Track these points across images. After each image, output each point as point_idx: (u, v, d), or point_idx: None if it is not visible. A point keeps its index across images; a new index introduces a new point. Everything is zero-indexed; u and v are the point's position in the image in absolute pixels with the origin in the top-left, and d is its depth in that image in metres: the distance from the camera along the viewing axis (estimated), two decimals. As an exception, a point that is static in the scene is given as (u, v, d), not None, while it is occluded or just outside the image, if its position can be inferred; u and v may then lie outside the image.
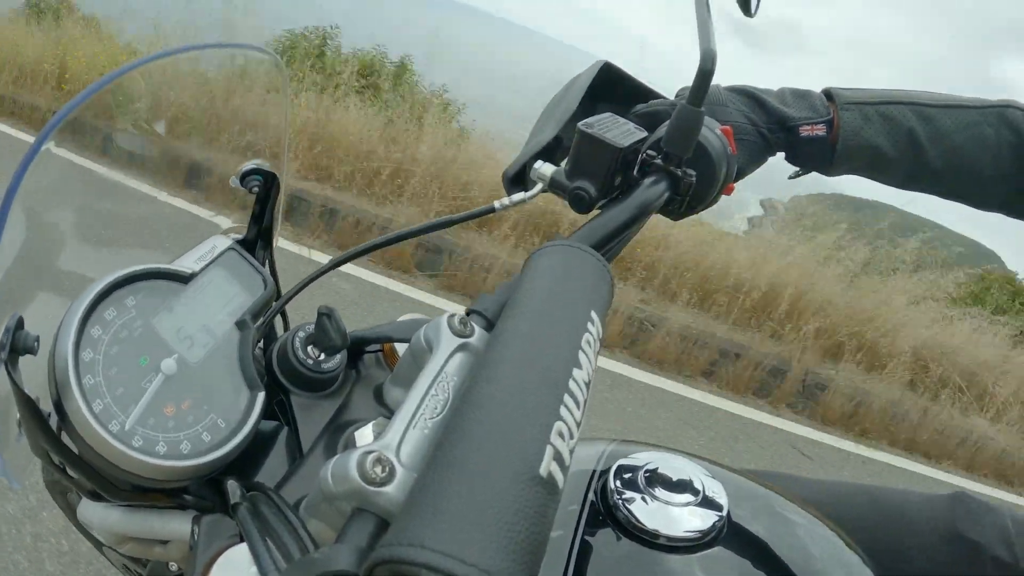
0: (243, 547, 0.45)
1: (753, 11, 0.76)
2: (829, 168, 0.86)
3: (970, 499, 0.86)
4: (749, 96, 0.83)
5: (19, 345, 0.47)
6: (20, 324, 0.47)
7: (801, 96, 0.84)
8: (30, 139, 0.50)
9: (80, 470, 0.50)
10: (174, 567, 0.67)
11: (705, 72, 0.59)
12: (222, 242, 0.62)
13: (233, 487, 0.51)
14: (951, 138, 0.82)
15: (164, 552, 0.59)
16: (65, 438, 0.49)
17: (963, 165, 0.84)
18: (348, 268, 4.16)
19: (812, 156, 0.85)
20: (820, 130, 0.82)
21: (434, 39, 6.40)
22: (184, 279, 0.57)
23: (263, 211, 0.67)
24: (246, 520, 0.46)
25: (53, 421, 0.49)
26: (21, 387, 0.45)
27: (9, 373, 0.46)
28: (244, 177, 0.65)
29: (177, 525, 0.54)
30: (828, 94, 0.85)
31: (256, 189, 0.66)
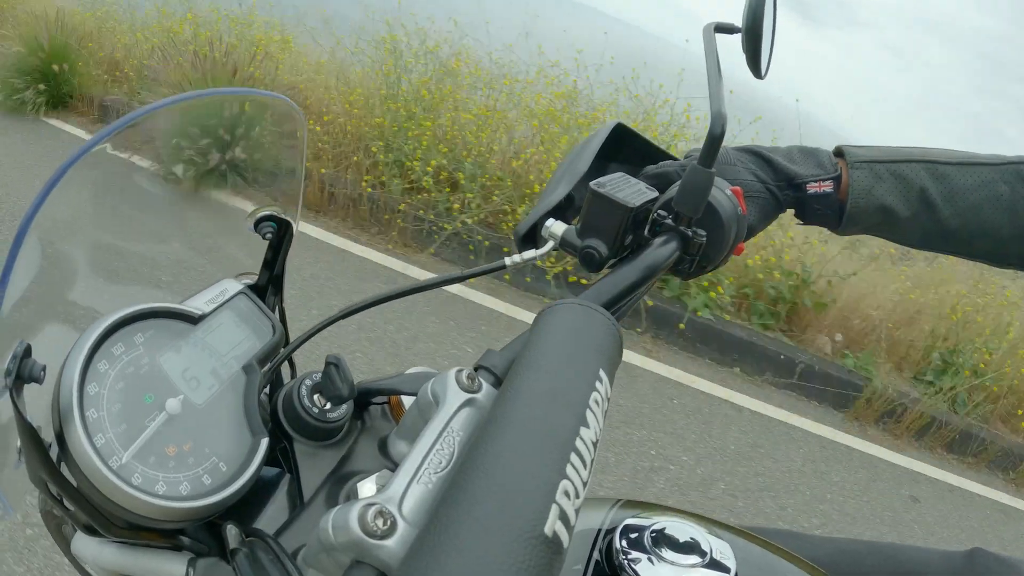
0: None
1: (764, 73, 0.78)
2: (839, 226, 0.86)
3: (988, 555, 0.84)
4: (757, 155, 0.84)
5: (25, 373, 0.47)
6: (28, 352, 0.48)
7: (809, 154, 0.85)
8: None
9: (77, 503, 0.50)
10: (165, 610, 0.66)
11: (715, 136, 0.60)
12: (233, 286, 0.63)
13: (232, 532, 0.51)
14: (966, 197, 0.82)
15: None
16: (64, 470, 0.49)
17: (979, 224, 0.83)
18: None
19: (821, 213, 0.85)
20: (828, 186, 0.82)
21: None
22: (194, 320, 0.58)
23: (275, 257, 0.68)
24: (244, 566, 0.46)
25: (53, 452, 0.49)
26: (24, 415, 0.45)
27: (13, 400, 0.46)
28: (258, 223, 0.66)
29: (172, 567, 0.54)
30: (839, 152, 0.85)
31: (269, 236, 0.67)
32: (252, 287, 0.66)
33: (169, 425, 0.52)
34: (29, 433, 0.46)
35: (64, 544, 0.67)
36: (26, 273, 0.51)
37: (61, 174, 0.50)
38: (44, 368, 0.48)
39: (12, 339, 0.48)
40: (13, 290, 0.49)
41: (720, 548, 0.61)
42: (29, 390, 0.48)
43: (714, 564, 0.59)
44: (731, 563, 0.60)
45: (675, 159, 0.80)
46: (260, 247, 0.68)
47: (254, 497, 0.55)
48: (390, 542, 0.36)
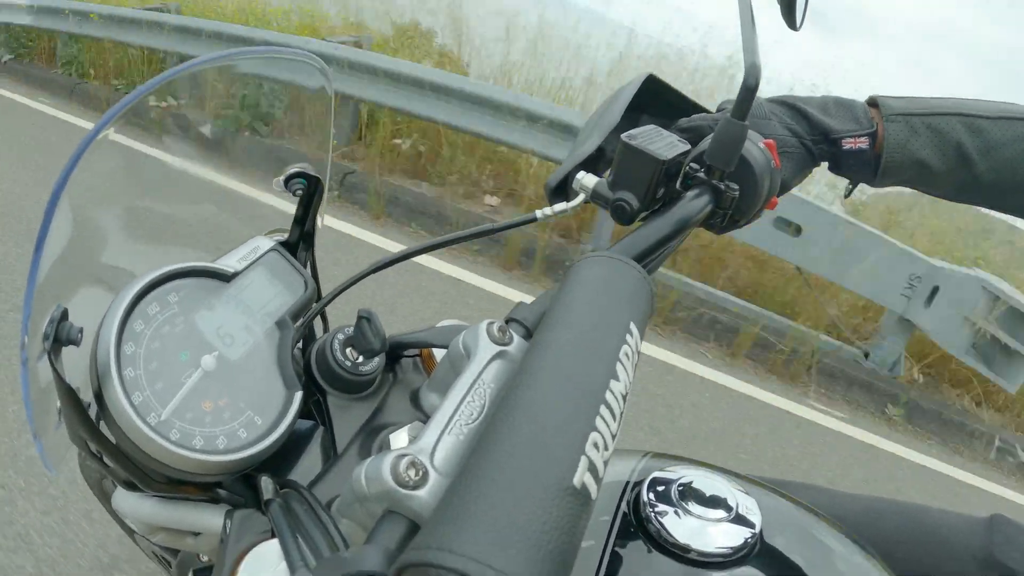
0: (273, 543, 0.45)
1: (799, 24, 0.75)
2: (873, 180, 0.84)
3: (1009, 523, 0.83)
4: (791, 108, 0.82)
5: (63, 336, 0.48)
6: (64, 315, 0.48)
7: (844, 106, 0.82)
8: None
9: (117, 460, 0.51)
10: (204, 558, 0.68)
11: (750, 86, 0.58)
12: (265, 243, 0.63)
13: (267, 484, 0.51)
14: (1002, 151, 0.80)
15: (195, 544, 0.60)
16: (103, 428, 0.50)
17: (1015, 179, 0.81)
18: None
19: (855, 168, 0.84)
20: (863, 143, 0.81)
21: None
22: (226, 278, 0.58)
23: (306, 214, 0.68)
24: (278, 517, 0.47)
25: (92, 411, 0.50)
26: (63, 377, 0.46)
27: (52, 362, 0.47)
28: (288, 180, 0.66)
29: (209, 518, 0.55)
30: (873, 102, 0.83)
31: (300, 192, 0.67)
32: (284, 244, 0.66)
33: (205, 381, 0.53)
34: (68, 394, 0.47)
35: (105, 500, 0.69)
36: (60, 238, 0.51)
37: (92, 138, 0.50)
38: (81, 330, 0.49)
39: (49, 303, 0.49)
40: (48, 255, 0.50)
41: (746, 503, 0.61)
42: (67, 352, 0.49)
43: (740, 519, 0.59)
44: (756, 518, 0.60)
45: (708, 112, 0.78)
46: (291, 204, 0.68)
47: (289, 449, 0.56)
48: (422, 492, 0.37)
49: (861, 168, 0.83)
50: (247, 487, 0.54)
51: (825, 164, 0.85)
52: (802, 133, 0.80)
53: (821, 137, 0.81)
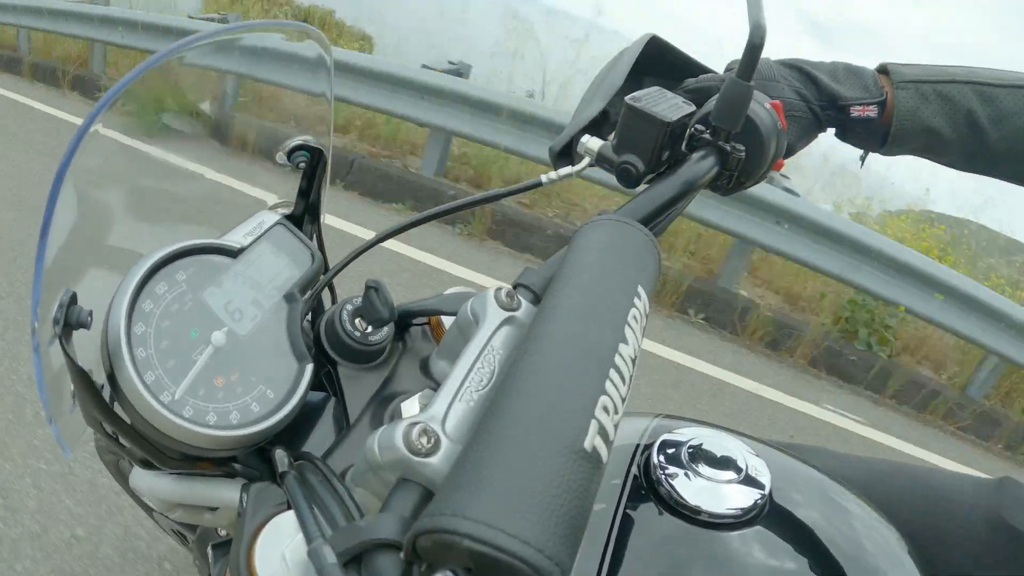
0: (290, 514, 0.46)
1: None
2: (882, 148, 0.83)
3: (1018, 485, 0.83)
4: (801, 72, 0.80)
5: (73, 319, 0.48)
6: (73, 299, 0.49)
7: (854, 73, 0.81)
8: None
9: (132, 440, 0.51)
10: (222, 533, 0.69)
11: (754, 46, 0.57)
12: (270, 217, 0.63)
13: (281, 456, 0.52)
14: (1014, 120, 0.79)
15: (213, 519, 0.60)
16: (118, 409, 0.50)
17: None
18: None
19: (863, 136, 0.83)
20: (872, 111, 0.80)
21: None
22: (233, 253, 0.58)
23: (310, 186, 0.68)
24: (293, 488, 0.47)
25: (106, 393, 0.51)
26: (75, 360, 0.47)
27: (63, 347, 0.47)
28: (291, 153, 0.66)
29: (226, 493, 0.56)
30: (883, 69, 0.82)
31: (303, 165, 0.66)
32: (289, 217, 0.66)
33: (216, 357, 0.53)
34: (81, 377, 0.47)
35: (122, 480, 0.70)
36: (65, 223, 0.51)
37: (91, 122, 0.49)
38: (91, 313, 0.49)
39: (57, 288, 0.49)
40: (54, 240, 0.50)
41: (756, 464, 0.61)
42: (78, 336, 0.49)
43: (749, 480, 0.60)
44: (766, 479, 0.60)
45: (714, 72, 0.77)
46: (294, 177, 0.68)
47: (301, 422, 0.56)
48: (434, 459, 0.37)
49: (868, 136, 0.82)
50: (262, 460, 0.54)
51: (832, 131, 0.84)
52: (810, 98, 0.79)
53: (829, 103, 0.80)
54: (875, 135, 0.82)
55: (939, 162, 0.86)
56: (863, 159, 0.89)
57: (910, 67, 0.81)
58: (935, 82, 0.80)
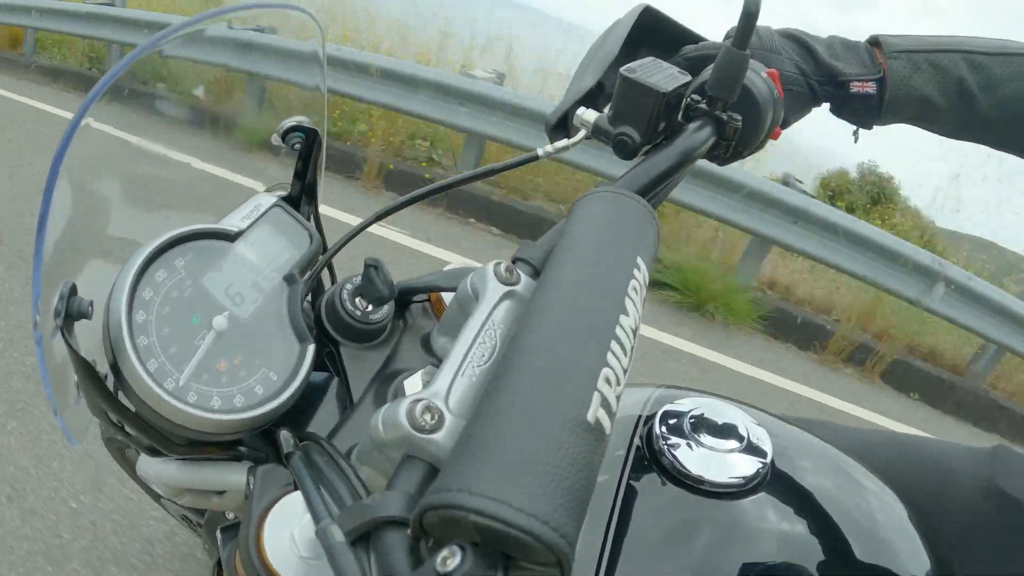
0: (297, 495, 0.46)
1: None
2: (877, 119, 0.84)
3: (1012, 453, 0.84)
4: (802, 45, 0.80)
5: (74, 311, 0.48)
6: (74, 290, 0.49)
7: (851, 48, 0.81)
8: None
9: (137, 428, 0.52)
10: (231, 516, 0.69)
11: (749, 13, 0.57)
12: (267, 199, 0.63)
13: (286, 438, 0.52)
14: (1003, 87, 0.79)
15: (221, 502, 0.61)
16: (122, 398, 0.51)
17: (1015, 115, 0.81)
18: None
19: (860, 112, 0.83)
20: (870, 87, 0.80)
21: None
22: (231, 237, 0.58)
23: (306, 167, 0.67)
24: (299, 469, 0.48)
25: (110, 382, 0.51)
26: (77, 351, 0.47)
27: (65, 338, 0.47)
28: (285, 134, 0.65)
29: (233, 476, 0.56)
30: (875, 41, 0.82)
31: (298, 146, 0.66)
32: (286, 198, 0.66)
33: (218, 342, 0.53)
34: (84, 367, 0.47)
35: (129, 468, 0.70)
36: (62, 214, 0.51)
37: (84, 111, 0.49)
38: (91, 303, 0.49)
39: (57, 280, 0.49)
40: (52, 233, 0.50)
41: (757, 433, 0.61)
42: (80, 327, 0.49)
43: (751, 448, 0.60)
44: (768, 448, 0.60)
45: (709, 41, 0.77)
46: (290, 158, 0.67)
47: (306, 402, 0.56)
48: (438, 435, 0.37)
49: (865, 112, 0.83)
50: (268, 443, 0.54)
51: (826, 105, 0.84)
52: (809, 72, 0.80)
53: (828, 79, 0.80)
54: (871, 109, 0.82)
55: (931, 130, 0.87)
56: (856, 135, 0.90)
57: (902, 38, 0.82)
58: (927, 51, 0.80)
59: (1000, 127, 0.82)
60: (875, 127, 0.86)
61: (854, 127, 0.88)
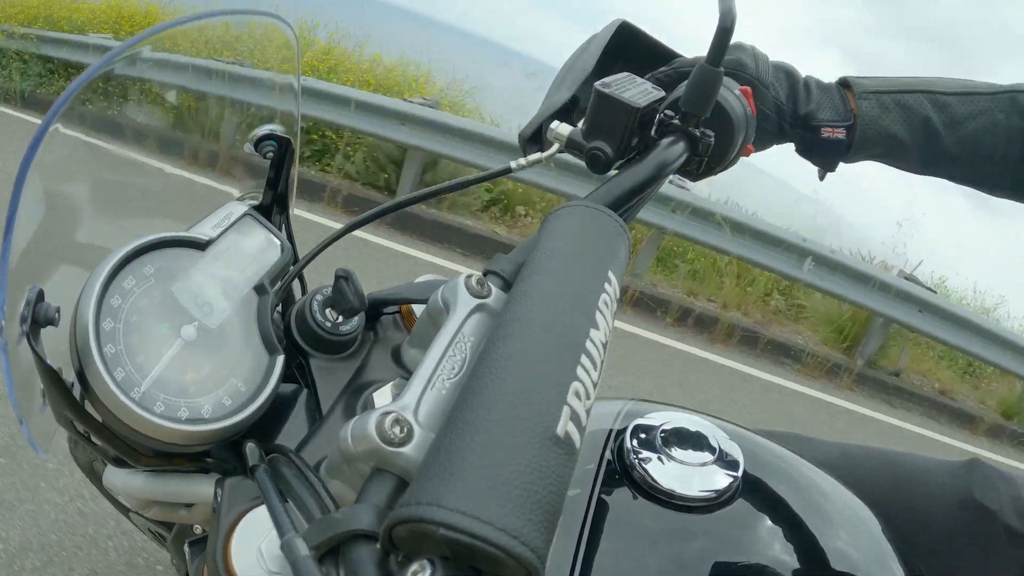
0: (265, 508, 0.45)
1: None
2: (845, 156, 0.86)
3: (986, 467, 0.86)
4: (791, 82, 0.82)
5: (40, 317, 0.47)
6: (41, 296, 0.48)
7: (824, 90, 0.84)
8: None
9: (104, 438, 0.51)
10: (198, 529, 0.68)
11: (725, 30, 0.58)
12: (238, 208, 0.63)
13: (252, 449, 0.51)
14: (965, 125, 0.83)
15: (189, 515, 0.60)
16: (88, 407, 0.50)
17: (977, 151, 0.84)
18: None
19: (826, 155, 0.86)
20: (840, 133, 0.83)
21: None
22: (201, 246, 0.58)
23: (278, 176, 0.67)
24: (264, 482, 0.47)
25: (76, 391, 0.50)
26: (44, 358, 0.46)
27: (31, 345, 0.46)
28: (258, 143, 0.65)
29: (201, 488, 0.55)
30: (845, 83, 0.84)
31: (271, 154, 0.66)
32: (257, 207, 0.66)
33: (186, 351, 0.52)
34: (50, 375, 0.46)
35: (96, 479, 0.69)
36: (30, 219, 0.50)
37: (54, 115, 0.49)
38: (58, 310, 0.48)
39: (24, 285, 0.48)
40: (19, 237, 0.49)
41: (729, 447, 0.62)
42: (46, 333, 0.48)
43: (723, 463, 0.60)
44: (739, 461, 0.61)
45: (683, 57, 0.78)
46: (262, 167, 0.67)
47: (274, 414, 0.56)
48: (408, 448, 0.37)
49: (832, 155, 0.86)
50: (236, 455, 0.54)
51: (791, 145, 0.86)
52: (785, 114, 0.81)
53: (800, 122, 0.82)
54: (838, 153, 0.85)
55: (897, 166, 0.90)
56: (823, 176, 0.92)
57: (871, 79, 0.86)
58: (893, 92, 0.84)
59: (963, 163, 0.86)
60: (841, 164, 0.89)
61: (820, 169, 0.90)
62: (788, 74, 0.82)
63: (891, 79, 0.85)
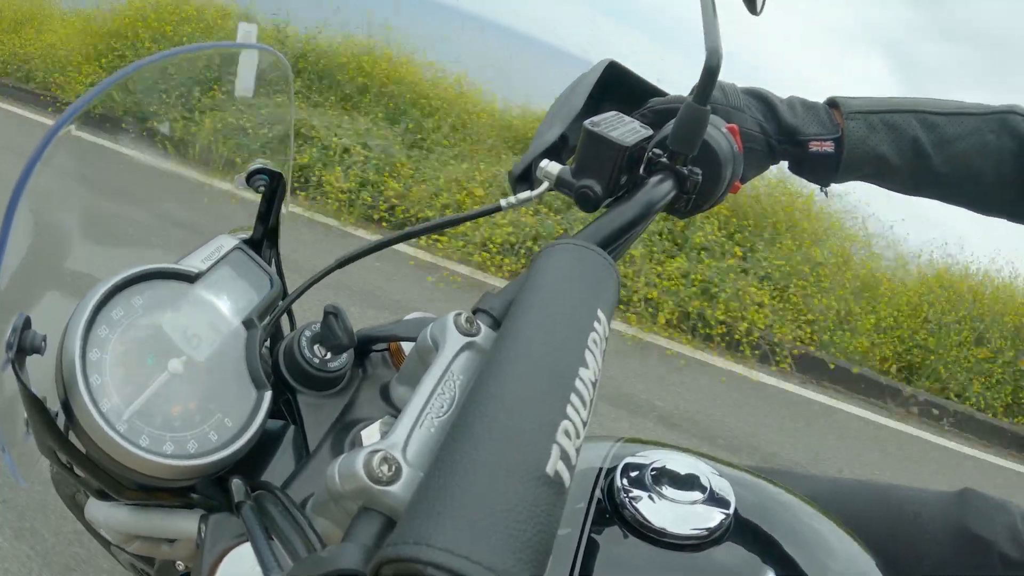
0: (249, 546, 0.45)
1: (759, 10, 0.76)
2: (834, 176, 0.87)
3: (980, 496, 0.86)
4: (766, 104, 0.83)
5: (26, 345, 0.47)
6: (27, 324, 0.47)
7: (810, 108, 0.85)
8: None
9: (87, 469, 0.50)
10: (181, 566, 0.68)
11: (711, 70, 0.59)
12: (228, 241, 0.63)
13: (238, 486, 0.51)
14: (954, 145, 0.83)
15: (171, 551, 0.59)
16: (72, 437, 0.49)
17: (967, 172, 0.84)
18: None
19: (818, 170, 0.86)
20: (828, 147, 0.83)
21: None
22: (191, 278, 0.57)
23: (269, 211, 0.67)
24: (250, 519, 0.47)
25: (60, 420, 0.49)
26: (28, 387, 0.46)
27: (16, 373, 0.46)
28: (250, 177, 0.65)
29: (184, 524, 0.54)
30: (833, 103, 0.85)
31: (262, 189, 0.66)
32: (247, 241, 0.66)
33: (172, 385, 0.52)
34: (35, 404, 0.46)
35: (77, 511, 0.68)
36: (20, 246, 0.50)
37: (46, 143, 0.49)
38: (45, 338, 0.48)
39: (11, 312, 0.48)
40: (9, 263, 0.49)
41: (720, 485, 0.62)
42: (32, 361, 0.48)
43: (714, 500, 0.60)
44: (731, 499, 0.60)
45: (671, 96, 0.79)
46: (253, 201, 0.67)
47: (261, 450, 0.55)
48: (395, 487, 0.37)
49: (823, 170, 0.86)
50: (221, 490, 0.53)
51: (784, 163, 0.87)
52: (769, 131, 0.82)
53: (787, 138, 0.83)
54: (830, 168, 0.85)
55: (887, 187, 0.90)
56: (825, 190, 0.93)
57: (858, 99, 0.85)
58: (881, 112, 0.84)
59: (953, 183, 0.86)
60: (833, 185, 0.89)
61: (816, 184, 0.91)
62: (758, 95, 0.84)
63: (880, 99, 0.86)
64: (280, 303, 0.63)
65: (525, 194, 0.61)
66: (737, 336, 4.43)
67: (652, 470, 0.62)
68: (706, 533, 0.58)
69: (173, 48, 0.59)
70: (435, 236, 4.52)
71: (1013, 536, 0.80)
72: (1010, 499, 0.86)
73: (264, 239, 0.68)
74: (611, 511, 0.60)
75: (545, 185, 0.62)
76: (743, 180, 0.80)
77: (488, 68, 6.87)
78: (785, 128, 0.82)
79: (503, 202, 0.59)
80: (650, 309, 4.43)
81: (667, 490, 0.60)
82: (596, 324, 0.42)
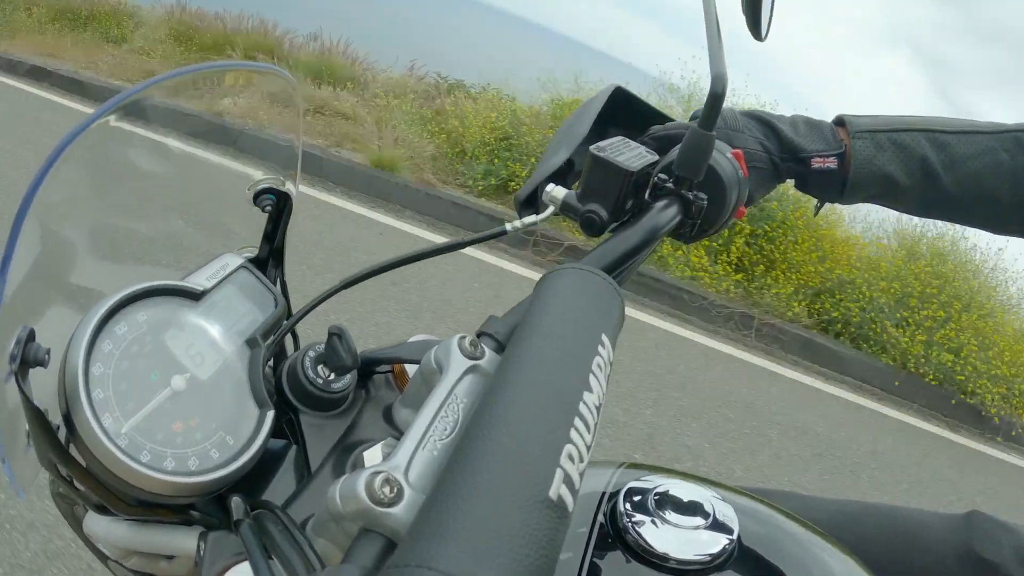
0: (247, 565, 0.45)
1: (764, 35, 0.76)
2: (841, 197, 0.86)
3: (986, 519, 0.85)
4: (765, 123, 0.83)
5: (30, 357, 0.47)
6: (31, 336, 0.48)
7: (814, 126, 0.84)
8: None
9: (87, 483, 0.50)
10: (179, 584, 0.67)
11: (716, 96, 0.59)
12: (234, 260, 0.63)
13: (238, 504, 0.51)
14: (966, 165, 0.82)
15: (169, 568, 0.59)
16: (73, 451, 0.49)
17: (980, 192, 0.83)
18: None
19: (823, 187, 0.86)
20: (831, 163, 0.83)
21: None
22: (196, 296, 0.58)
23: (275, 230, 0.67)
24: (249, 538, 0.46)
25: (62, 434, 0.50)
26: (31, 399, 0.46)
27: (19, 385, 0.46)
28: (257, 196, 0.66)
29: (183, 541, 0.54)
30: (840, 121, 0.85)
31: (269, 208, 0.66)
32: (253, 260, 0.66)
33: (175, 401, 0.52)
34: (36, 416, 0.46)
35: (76, 524, 0.68)
36: (27, 256, 0.50)
37: (58, 153, 0.49)
38: (48, 351, 0.48)
39: (15, 324, 0.48)
40: (15, 274, 0.49)
41: (723, 510, 0.61)
42: (35, 374, 0.48)
43: (718, 526, 0.60)
44: (734, 524, 0.60)
45: (676, 122, 0.79)
46: (260, 220, 0.68)
47: (262, 469, 0.55)
48: (397, 509, 0.36)
49: (828, 187, 0.85)
50: (221, 508, 0.53)
51: (791, 181, 0.87)
52: (772, 150, 0.82)
53: (790, 155, 0.82)
54: (834, 185, 0.84)
55: (895, 208, 0.89)
56: (818, 209, 0.92)
57: (865, 118, 0.84)
58: (889, 131, 0.83)
59: (964, 204, 0.84)
60: (840, 204, 0.89)
61: (816, 201, 0.90)
62: (757, 116, 0.84)
63: (887, 117, 0.85)
64: (284, 323, 0.63)
65: (531, 218, 0.61)
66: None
67: (655, 495, 0.62)
68: (709, 559, 0.57)
69: (178, 68, 0.60)
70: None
71: (1020, 559, 0.79)
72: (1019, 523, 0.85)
73: (270, 258, 0.68)
74: (614, 536, 0.60)
75: (551, 209, 0.63)
76: (751, 201, 0.80)
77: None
78: (787, 145, 0.82)
79: (508, 226, 0.60)
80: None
81: (670, 515, 0.60)
82: (601, 349, 0.43)
